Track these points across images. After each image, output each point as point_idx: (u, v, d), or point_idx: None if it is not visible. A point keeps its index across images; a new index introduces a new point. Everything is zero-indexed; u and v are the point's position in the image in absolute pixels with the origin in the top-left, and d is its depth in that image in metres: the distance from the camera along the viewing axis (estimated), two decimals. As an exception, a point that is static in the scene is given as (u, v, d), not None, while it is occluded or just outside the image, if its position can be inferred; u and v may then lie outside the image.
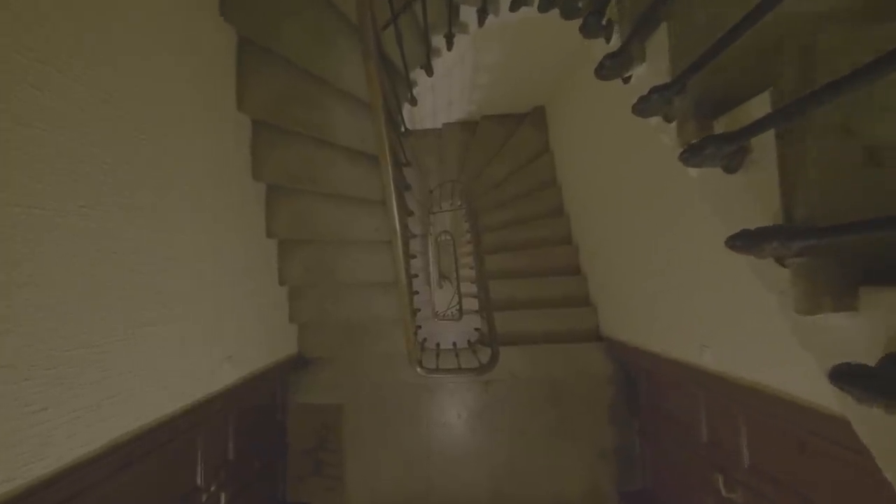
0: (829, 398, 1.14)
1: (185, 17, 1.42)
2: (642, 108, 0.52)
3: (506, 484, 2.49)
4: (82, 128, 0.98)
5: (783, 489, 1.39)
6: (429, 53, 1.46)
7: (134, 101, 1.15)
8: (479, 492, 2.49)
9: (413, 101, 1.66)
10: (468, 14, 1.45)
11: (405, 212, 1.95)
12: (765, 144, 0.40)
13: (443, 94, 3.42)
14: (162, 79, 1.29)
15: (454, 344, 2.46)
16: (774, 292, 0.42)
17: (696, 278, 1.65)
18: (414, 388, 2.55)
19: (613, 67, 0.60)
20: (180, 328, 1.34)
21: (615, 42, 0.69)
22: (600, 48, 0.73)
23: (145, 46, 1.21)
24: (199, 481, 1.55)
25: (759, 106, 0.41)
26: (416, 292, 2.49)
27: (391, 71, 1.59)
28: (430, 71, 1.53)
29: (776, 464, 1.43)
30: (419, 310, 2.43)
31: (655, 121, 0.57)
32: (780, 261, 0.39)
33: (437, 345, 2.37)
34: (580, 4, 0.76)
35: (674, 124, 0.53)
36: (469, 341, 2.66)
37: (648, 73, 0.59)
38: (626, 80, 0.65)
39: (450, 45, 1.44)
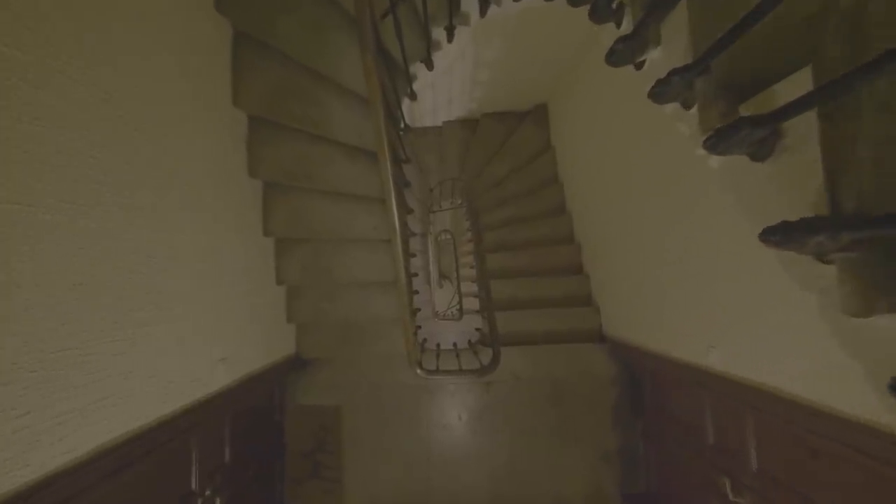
0: (847, 402, 1.10)
1: (180, 11, 1.39)
2: (660, 92, 0.48)
3: (507, 486, 2.45)
4: (81, 127, 0.97)
5: (794, 495, 1.35)
6: (429, 46, 1.42)
7: (129, 97, 1.13)
8: (480, 494, 2.45)
9: (413, 96, 1.62)
10: (470, 4, 1.41)
11: (404, 209, 1.91)
12: (800, 128, 0.36)
13: (443, 91, 3.38)
14: (156, 72, 1.26)
15: (455, 344, 2.43)
16: (813, 291, 0.38)
17: (704, 276, 1.61)
18: (413, 389, 2.51)
19: (626, 52, 0.56)
20: (173, 329, 1.30)
21: (626, 27, 0.65)
22: (609, 35, 0.69)
23: (141, 41, 1.19)
24: (193, 485, 1.51)
25: (790, 88, 0.37)
26: (416, 292, 2.45)
27: (390, 65, 1.55)
28: (430, 65, 1.49)
29: (786, 469, 1.39)
30: (419, 309, 2.39)
31: (672, 108, 0.53)
32: (822, 256, 0.35)
33: (438, 345, 2.33)
34: (589, -12, 0.72)
35: (694, 110, 0.49)
36: (470, 342, 2.62)
37: (664, 56, 0.55)
38: (639, 66, 0.61)
39: (450, 38, 1.40)
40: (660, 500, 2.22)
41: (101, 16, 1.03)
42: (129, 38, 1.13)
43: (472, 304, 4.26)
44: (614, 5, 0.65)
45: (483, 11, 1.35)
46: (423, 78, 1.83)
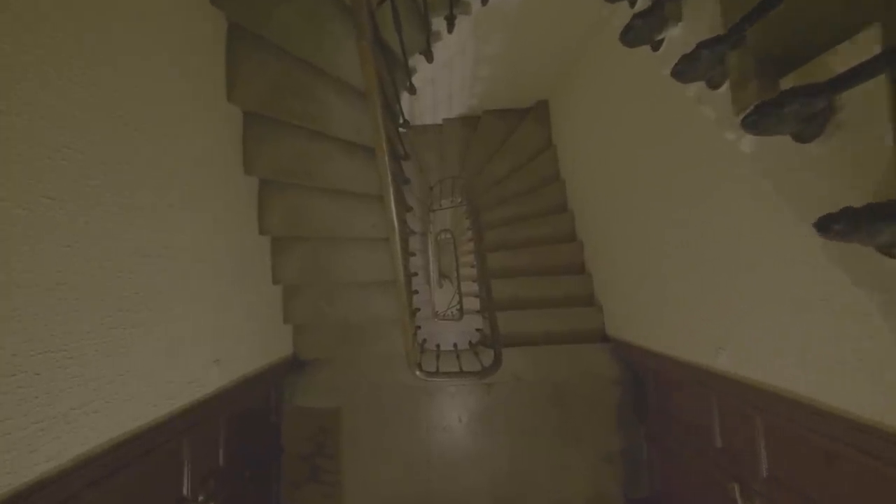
0: (865, 407, 1.05)
1: (177, 7, 1.36)
2: (684, 70, 0.43)
3: (508, 488, 2.41)
4: (81, 126, 0.97)
5: (807, 502, 1.30)
6: (429, 37, 1.37)
7: (126, 96, 1.11)
8: (481, 497, 2.41)
9: (412, 90, 1.58)
10: (471, -7, 1.37)
11: (403, 207, 1.87)
12: (858, 101, 0.31)
13: (443, 87, 3.33)
14: (152, 69, 1.23)
15: (455, 345, 2.38)
16: (876, 291, 0.33)
17: (712, 275, 1.57)
18: (413, 391, 2.46)
19: (643, 30, 0.51)
20: (164, 329, 1.26)
21: (641, 5, 0.60)
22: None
23: (135, 35, 1.17)
24: (185, 492, 1.46)
25: (846, 56, 0.33)
26: (416, 291, 2.40)
27: (389, 57, 1.50)
28: (430, 57, 1.44)
29: (799, 475, 1.34)
30: (418, 309, 2.35)
31: (695, 89, 0.48)
32: (889, 250, 0.30)
33: (438, 346, 2.28)
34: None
35: (723, 89, 0.44)
36: (470, 342, 2.58)
37: (685, 33, 0.50)
38: (656, 46, 0.56)
39: (451, 28, 1.35)
40: (665, 504, 2.18)
41: (101, 16, 1.03)
42: (122, 31, 1.11)
43: (472, 304, 4.22)
44: (629, -18, 0.60)
45: None
46: (422, 73, 1.78)
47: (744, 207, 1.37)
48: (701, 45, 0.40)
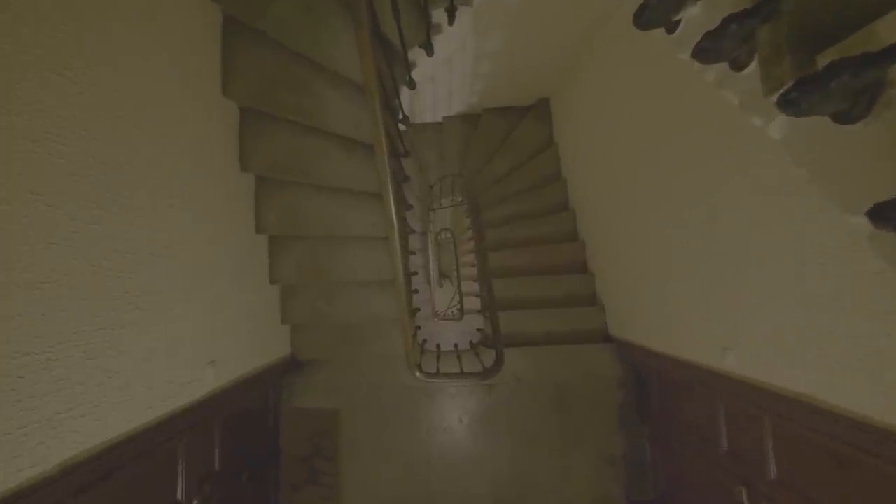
0: (880, 410, 1.01)
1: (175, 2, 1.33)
2: (708, 48, 0.39)
3: (509, 491, 2.37)
4: (79, 125, 0.96)
5: (817, 506, 1.27)
6: (429, 29, 1.33)
7: (123, 93, 1.10)
8: (482, 500, 2.37)
9: (412, 85, 1.54)
10: (472, -16, 1.33)
11: (403, 205, 1.83)
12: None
13: (443, 85, 3.29)
14: (146, 62, 1.20)
15: (455, 345, 2.34)
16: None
17: (718, 273, 1.53)
18: (413, 392, 2.43)
19: (659, 10, 0.47)
20: (156, 330, 1.22)
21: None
22: (632, 2, 0.60)
23: (134, 33, 1.16)
24: (179, 496, 1.42)
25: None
26: (416, 291, 2.37)
27: (388, 51, 1.46)
28: (430, 50, 1.40)
29: (809, 478, 1.31)
30: (419, 309, 2.31)
31: (716, 71, 0.45)
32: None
33: (438, 346, 2.25)
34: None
35: (749, 70, 0.40)
36: (471, 342, 2.54)
37: (704, 14, 0.47)
38: (672, 29, 0.53)
39: (451, 20, 1.31)
40: (669, 507, 2.14)
41: (101, 16, 1.03)
42: (127, 37, 1.13)
43: (472, 303, 4.19)
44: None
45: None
46: (423, 70, 1.76)
47: (752, 203, 1.33)
48: (729, 19, 0.37)
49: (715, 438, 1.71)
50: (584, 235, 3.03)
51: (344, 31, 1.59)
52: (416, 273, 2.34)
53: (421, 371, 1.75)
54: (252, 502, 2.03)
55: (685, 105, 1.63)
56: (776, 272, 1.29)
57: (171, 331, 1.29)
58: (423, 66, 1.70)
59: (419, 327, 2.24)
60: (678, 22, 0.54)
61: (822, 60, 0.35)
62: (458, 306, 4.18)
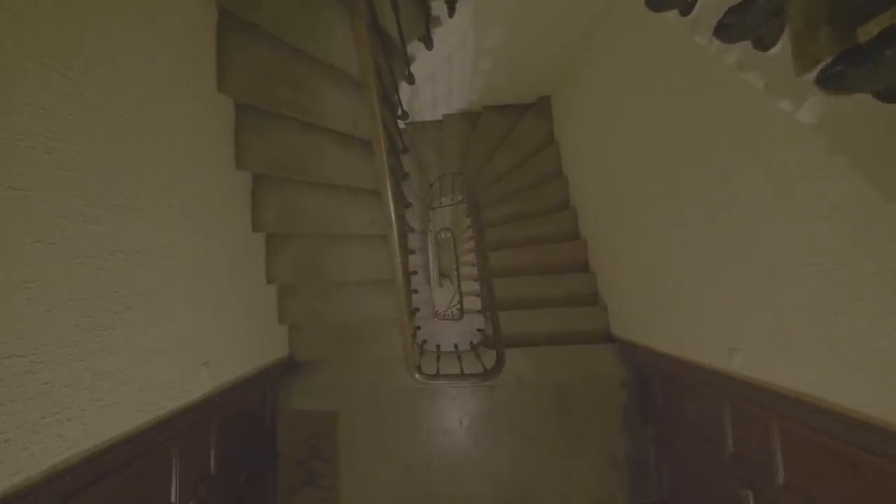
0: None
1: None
2: (733, 24, 0.36)
3: (510, 493, 2.34)
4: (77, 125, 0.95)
5: (828, 512, 1.23)
6: (428, 21, 1.30)
7: (118, 91, 1.08)
8: (482, 501, 2.34)
9: (411, 80, 1.50)
10: (472, -25, 1.29)
11: (402, 202, 1.80)
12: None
13: (443, 82, 3.26)
14: (143, 59, 1.18)
15: (456, 346, 2.31)
16: None
17: (725, 271, 1.49)
18: (413, 393, 2.39)
19: (674, -12, 0.44)
20: (148, 331, 1.18)
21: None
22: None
23: (133, 32, 1.15)
24: (173, 500, 1.39)
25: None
26: (415, 290, 2.33)
27: (386, 44, 1.43)
28: (429, 44, 1.37)
29: (819, 483, 1.27)
30: (418, 309, 2.28)
31: (738, 52, 0.41)
32: None
33: (438, 347, 2.22)
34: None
35: (775, 50, 0.37)
36: (471, 343, 2.51)
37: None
38: (686, 10, 0.49)
39: (451, 12, 1.28)
40: (673, 510, 2.11)
41: (101, 16, 1.02)
42: (127, 36, 1.12)
43: (473, 303, 4.15)
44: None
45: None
46: (422, 68, 1.72)
47: (758, 201, 1.30)
48: (758, -9, 0.33)
49: (720, 440, 1.67)
50: (586, 234, 3.00)
51: (341, 25, 1.56)
52: (415, 272, 2.30)
53: (420, 372, 1.71)
54: (249, 506, 2.00)
55: (689, 102, 1.60)
56: (787, 269, 1.26)
57: (164, 331, 1.26)
58: (422, 64, 1.67)
59: (419, 327, 2.20)
60: (693, 2, 0.50)
61: (863, 36, 0.32)
62: (458, 306, 4.15)
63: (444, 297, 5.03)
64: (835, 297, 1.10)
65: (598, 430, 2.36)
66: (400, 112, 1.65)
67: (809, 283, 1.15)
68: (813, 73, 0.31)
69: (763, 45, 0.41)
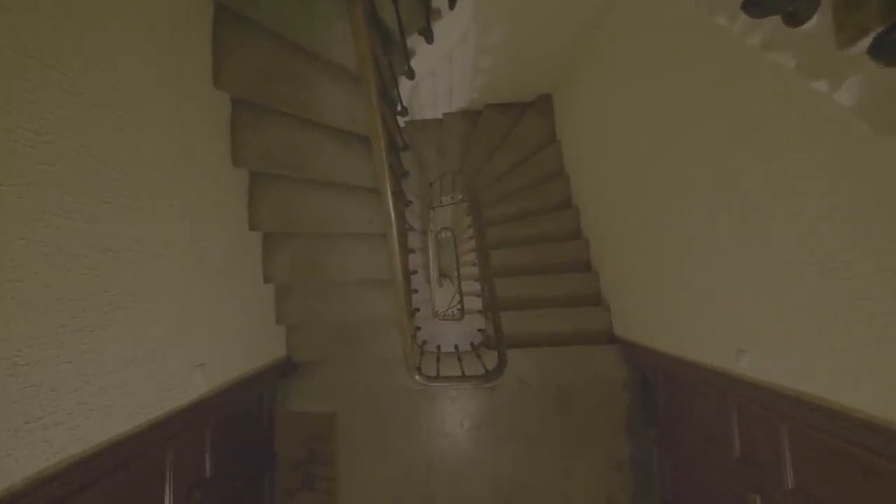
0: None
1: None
2: (763, -3, 0.32)
3: (512, 496, 2.31)
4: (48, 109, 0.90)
5: (840, 518, 1.20)
6: (428, 14, 1.26)
7: (103, 77, 1.03)
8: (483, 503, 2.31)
9: (410, 74, 1.47)
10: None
11: (402, 200, 1.76)
12: None
13: (443, 80, 3.23)
14: (131, 50, 1.14)
15: (456, 346, 2.28)
16: None
17: (733, 269, 1.46)
18: (413, 395, 2.36)
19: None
20: (140, 332, 1.15)
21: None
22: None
23: (131, 31, 1.14)
24: (167, 505, 1.36)
25: None
26: (415, 290, 2.30)
27: (385, 37, 1.40)
28: (429, 37, 1.33)
29: (830, 489, 1.24)
30: (418, 309, 2.24)
31: (765, 30, 0.38)
32: None
33: (438, 348, 2.18)
34: None
35: (811, 24, 0.33)
36: (472, 343, 2.47)
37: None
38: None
39: (452, 3, 1.25)
40: (677, 514, 2.07)
41: (101, 16, 1.02)
42: (126, 36, 1.11)
43: (473, 303, 4.12)
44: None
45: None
46: (423, 63, 1.68)
47: (765, 196, 1.27)
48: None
49: (726, 443, 1.64)
50: (588, 233, 2.96)
51: (339, 20, 1.52)
52: (415, 272, 2.27)
53: (420, 374, 1.68)
54: (246, 509, 1.96)
55: (692, 101, 1.57)
56: (783, 271, 1.23)
57: (157, 332, 1.22)
58: (423, 58, 1.63)
59: (419, 328, 2.17)
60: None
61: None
62: (459, 306, 4.11)
63: (444, 297, 5.00)
64: (835, 297, 1.09)
65: (600, 432, 2.32)
66: (399, 108, 1.62)
67: (810, 284, 1.12)
68: (860, 46, 0.28)
69: (796, 20, 0.37)
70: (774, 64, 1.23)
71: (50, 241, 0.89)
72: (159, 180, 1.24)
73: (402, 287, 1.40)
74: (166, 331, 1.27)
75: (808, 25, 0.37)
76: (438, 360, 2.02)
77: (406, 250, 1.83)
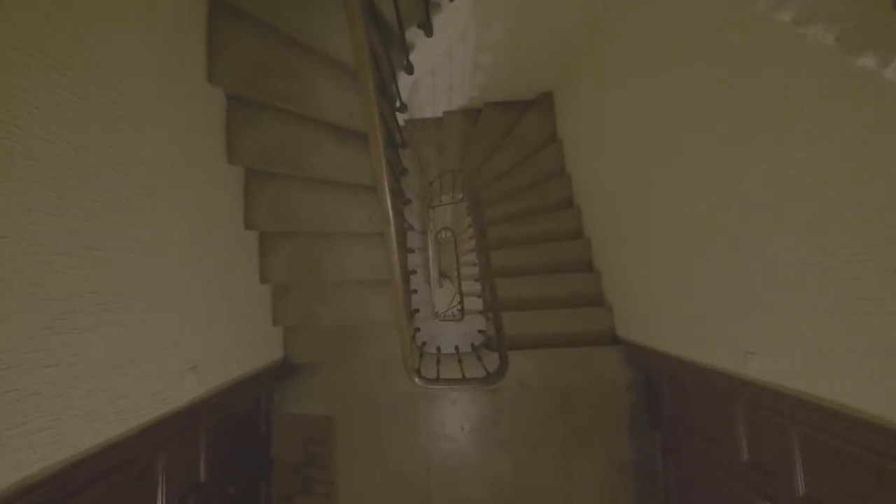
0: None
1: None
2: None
3: (512, 500, 2.27)
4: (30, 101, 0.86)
5: (853, 526, 1.16)
6: (428, 6, 1.23)
7: (102, 76, 1.02)
8: (484, 508, 2.27)
9: (409, 69, 1.43)
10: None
11: (400, 198, 1.73)
12: None
13: (443, 78, 3.19)
14: (131, 50, 1.12)
15: (456, 348, 2.24)
16: None
17: (741, 268, 1.42)
18: (412, 397, 2.32)
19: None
20: (129, 334, 1.11)
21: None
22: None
23: (130, 31, 1.11)
24: (159, 511, 1.32)
25: None
26: (415, 291, 2.26)
27: (383, 30, 1.36)
28: (429, 30, 1.30)
29: (842, 495, 1.20)
30: (418, 310, 2.21)
31: (799, 2, 0.34)
32: None
33: (438, 349, 2.14)
34: None
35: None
36: (473, 345, 2.44)
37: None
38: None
39: (452, -5, 1.21)
40: (681, 519, 2.03)
41: (101, 16, 1.01)
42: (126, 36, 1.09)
43: (473, 304, 4.08)
44: None
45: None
46: (422, 60, 1.65)
47: (766, 196, 1.24)
48: None
49: (734, 447, 1.60)
50: (590, 233, 2.92)
51: (336, 12, 1.49)
52: (414, 272, 2.23)
53: (420, 377, 1.64)
54: (242, 514, 1.93)
55: (694, 101, 1.54)
56: (784, 271, 1.20)
57: (148, 334, 1.19)
58: (422, 58, 1.60)
59: (418, 329, 2.13)
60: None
61: None
62: (459, 307, 4.07)
63: (444, 298, 4.96)
64: (836, 297, 1.08)
65: (603, 435, 2.29)
66: (398, 104, 1.58)
67: (843, 284, 1.08)
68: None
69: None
70: (774, 63, 1.19)
71: (35, 239, 0.85)
72: (151, 177, 1.20)
73: (400, 287, 1.37)
74: (158, 332, 1.23)
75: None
76: (438, 361, 1.98)
77: (405, 249, 1.80)
